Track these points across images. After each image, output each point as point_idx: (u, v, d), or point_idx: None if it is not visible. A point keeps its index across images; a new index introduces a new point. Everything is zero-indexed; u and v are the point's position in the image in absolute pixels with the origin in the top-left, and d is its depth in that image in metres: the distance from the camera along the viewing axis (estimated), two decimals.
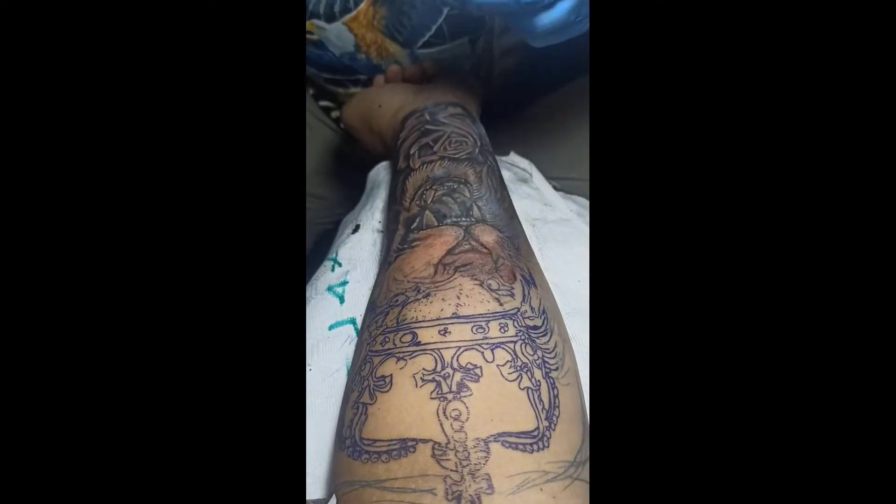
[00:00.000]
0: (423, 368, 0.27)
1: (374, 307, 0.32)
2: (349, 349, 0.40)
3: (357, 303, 0.42)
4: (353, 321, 0.42)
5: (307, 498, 0.34)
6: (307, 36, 0.54)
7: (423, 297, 0.30)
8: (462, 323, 0.28)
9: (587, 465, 0.26)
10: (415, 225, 0.34)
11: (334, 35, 0.53)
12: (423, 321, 0.29)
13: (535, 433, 0.26)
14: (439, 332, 0.28)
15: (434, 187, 0.35)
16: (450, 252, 0.32)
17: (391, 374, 0.27)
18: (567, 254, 0.43)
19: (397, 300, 0.30)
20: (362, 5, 0.49)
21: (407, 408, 0.26)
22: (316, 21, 0.53)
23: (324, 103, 0.65)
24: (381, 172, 0.52)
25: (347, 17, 0.49)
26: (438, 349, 0.27)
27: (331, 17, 0.51)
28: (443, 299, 0.29)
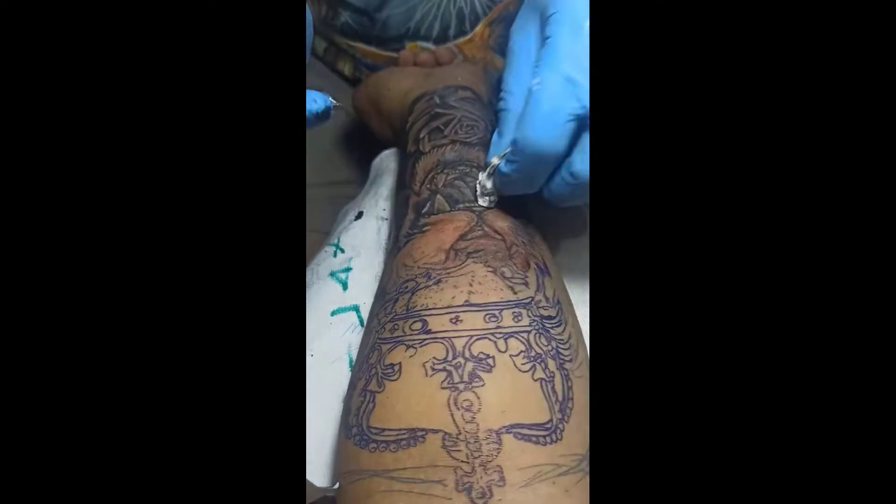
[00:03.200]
0: (434, 357, 0.26)
1: (384, 294, 0.31)
2: (352, 337, 0.39)
3: (360, 290, 0.41)
4: (356, 308, 0.41)
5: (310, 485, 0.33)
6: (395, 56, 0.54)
7: (434, 284, 0.29)
8: (474, 311, 0.28)
9: None
10: (426, 209, 0.33)
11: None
12: (434, 308, 0.28)
13: (549, 425, 0.25)
14: (450, 320, 0.27)
15: (446, 171, 0.34)
16: (462, 237, 0.31)
17: (400, 363, 0.27)
18: (575, 243, 0.42)
19: (407, 286, 0.30)
20: (478, 27, 0.48)
21: (416, 397, 0.26)
22: (421, 43, 0.52)
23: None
24: (384, 160, 0.51)
25: (462, 39, 0.48)
26: (450, 338, 0.27)
27: (442, 40, 0.50)
28: (454, 286, 0.29)
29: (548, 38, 0.28)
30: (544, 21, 0.29)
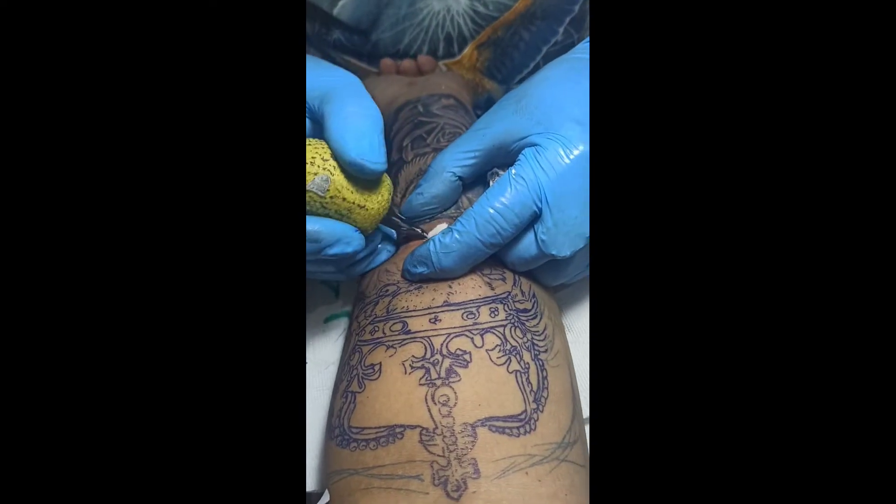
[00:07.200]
0: (413, 356, 0.27)
1: (363, 298, 0.32)
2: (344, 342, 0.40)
3: (352, 296, 0.42)
4: (348, 314, 0.41)
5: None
6: None
7: (415, 289, 0.30)
8: (453, 310, 0.28)
9: (576, 446, 0.26)
10: None
11: None
12: (414, 310, 0.29)
13: (523, 416, 0.25)
14: (430, 320, 0.28)
15: None
16: None
17: (380, 363, 0.27)
18: None
19: (387, 290, 0.30)
20: (466, 50, 0.49)
21: (395, 395, 0.26)
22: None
23: None
24: None
25: (450, 60, 0.50)
26: (428, 336, 0.27)
27: None
28: (434, 289, 0.29)
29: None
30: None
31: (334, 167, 0.28)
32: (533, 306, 0.29)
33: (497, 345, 0.27)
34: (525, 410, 0.25)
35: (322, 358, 0.39)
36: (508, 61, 0.50)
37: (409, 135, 0.40)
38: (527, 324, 0.28)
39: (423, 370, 0.26)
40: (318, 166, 0.28)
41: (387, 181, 0.30)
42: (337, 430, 0.27)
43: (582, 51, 0.32)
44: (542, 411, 0.26)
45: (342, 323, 0.41)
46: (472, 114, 0.43)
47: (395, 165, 0.39)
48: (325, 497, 0.28)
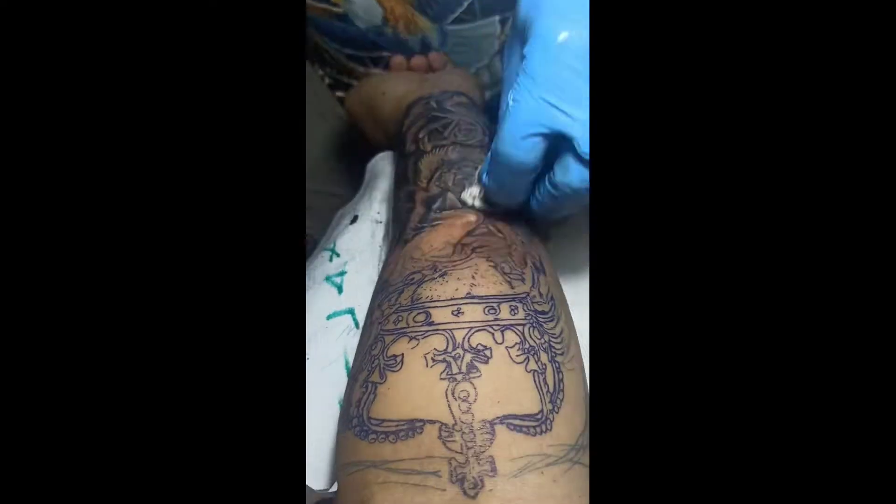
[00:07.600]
0: (435, 349, 0.27)
1: (387, 285, 0.32)
2: (347, 339, 0.40)
3: (355, 293, 0.42)
4: (351, 311, 0.41)
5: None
6: (331, 8, 0.53)
7: (440, 276, 0.29)
8: (475, 303, 0.28)
9: (588, 450, 0.26)
10: (437, 205, 0.34)
11: (362, 8, 0.52)
12: (438, 301, 0.28)
13: (539, 416, 0.25)
14: (453, 312, 0.28)
15: (453, 171, 0.36)
16: (469, 233, 0.32)
17: (402, 354, 0.27)
18: (568, 245, 0.43)
19: (413, 278, 0.30)
20: None
21: (417, 388, 0.26)
22: None
23: (340, 94, 0.64)
24: (378, 163, 0.51)
25: None
26: (451, 329, 0.27)
27: None
28: (458, 278, 0.29)
29: (523, 58, 0.28)
30: (523, 42, 0.29)
31: None
32: (550, 309, 0.29)
33: (517, 342, 0.27)
34: (542, 410, 0.25)
35: (324, 355, 0.39)
36: None
37: (423, 128, 0.40)
38: (545, 325, 0.28)
39: (445, 364, 0.26)
40: None
41: None
42: (355, 419, 0.27)
43: None
44: (557, 412, 0.26)
45: (344, 320, 0.41)
46: (483, 113, 0.43)
47: (414, 155, 0.39)
48: (333, 486, 0.28)
